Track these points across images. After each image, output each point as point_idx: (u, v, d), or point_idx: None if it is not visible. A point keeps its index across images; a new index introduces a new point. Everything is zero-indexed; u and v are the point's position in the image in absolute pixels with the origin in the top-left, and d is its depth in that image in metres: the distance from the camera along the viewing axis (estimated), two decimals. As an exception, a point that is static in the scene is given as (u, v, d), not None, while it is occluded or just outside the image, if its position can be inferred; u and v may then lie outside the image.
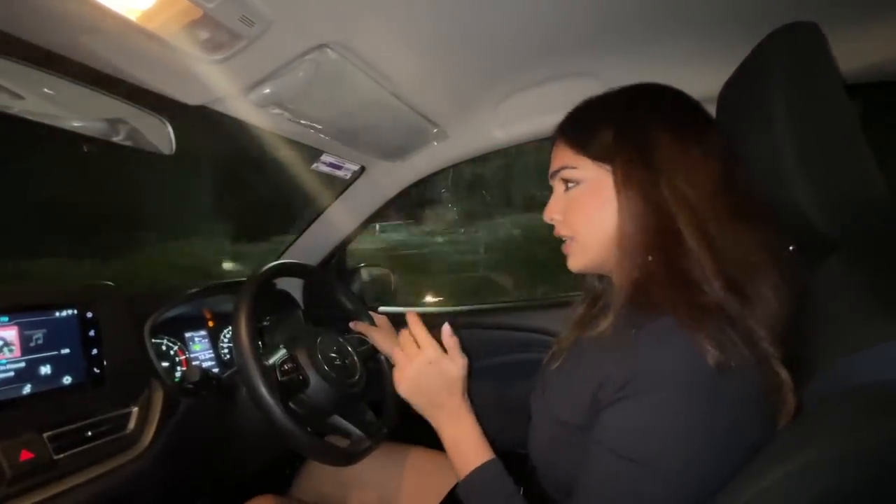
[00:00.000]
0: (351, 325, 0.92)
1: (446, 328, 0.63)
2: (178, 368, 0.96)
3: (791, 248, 0.56)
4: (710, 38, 0.69)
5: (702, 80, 0.69)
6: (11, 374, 0.62)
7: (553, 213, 0.58)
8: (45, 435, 0.62)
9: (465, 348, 0.64)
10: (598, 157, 0.52)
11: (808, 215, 0.47)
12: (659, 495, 0.42)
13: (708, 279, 0.44)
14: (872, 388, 0.39)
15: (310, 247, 1.26)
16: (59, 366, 0.67)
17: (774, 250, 0.47)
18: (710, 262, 0.45)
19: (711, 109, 0.58)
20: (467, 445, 0.59)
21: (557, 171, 0.56)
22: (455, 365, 0.61)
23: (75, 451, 0.64)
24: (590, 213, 0.53)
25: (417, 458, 0.91)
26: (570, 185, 0.55)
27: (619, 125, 0.51)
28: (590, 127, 0.54)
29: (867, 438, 0.34)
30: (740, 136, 0.53)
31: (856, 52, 0.64)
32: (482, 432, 0.61)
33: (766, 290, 0.44)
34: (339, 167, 1.07)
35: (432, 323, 0.64)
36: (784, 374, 0.43)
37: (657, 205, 0.48)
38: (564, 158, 0.55)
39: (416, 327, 0.63)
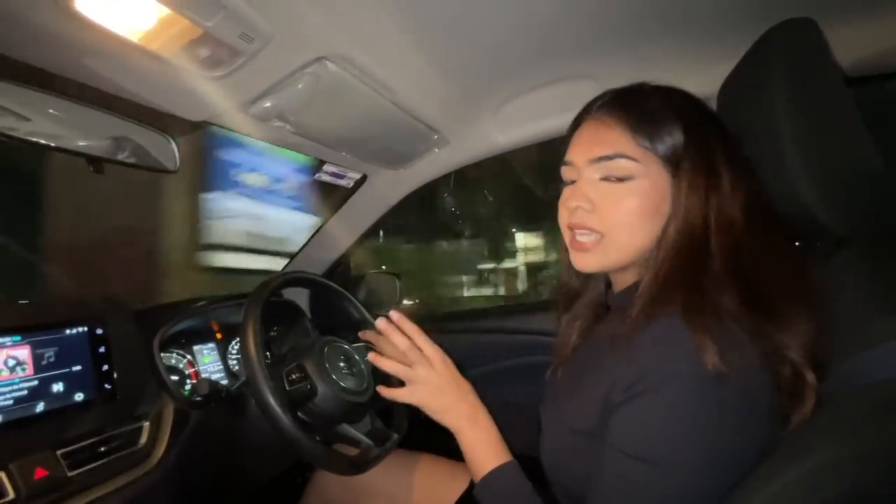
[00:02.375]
0: (360, 334, 0.92)
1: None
2: (188, 381, 0.97)
3: (797, 244, 0.56)
4: (706, 37, 0.69)
5: (700, 78, 0.69)
6: (25, 392, 0.63)
7: (584, 200, 0.51)
8: (58, 452, 0.62)
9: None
10: (666, 155, 0.48)
11: (813, 212, 0.46)
12: (670, 494, 0.41)
13: (723, 290, 0.44)
14: (887, 384, 0.38)
15: (315, 256, 1.27)
16: (71, 383, 0.68)
17: (804, 266, 0.47)
18: (730, 274, 0.45)
19: (710, 107, 0.58)
20: (485, 447, 0.59)
21: (609, 157, 0.49)
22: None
23: (89, 467, 0.64)
24: (641, 214, 0.49)
25: (427, 466, 0.91)
26: (619, 176, 0.49)
27: (689, 127, 0.49)
28: (660, 119, 0.49)
29: (884, 435, 0.34)
30: (742, 133, 0.53)
31: (855, 46, 0.64)
32: (499, 434, 0.60)
33: (796, 306, 0.44)
34: (341, 176, 1.08)
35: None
36: (811, 377, 0.42)
37: (705, 215, 0.47)
38: (622, 145, 0.49)
39: (419, 337, 0.63)
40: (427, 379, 0.61)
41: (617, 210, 0.50)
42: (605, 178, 0.50)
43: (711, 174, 0.48)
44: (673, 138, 0.48)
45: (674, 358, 0.42)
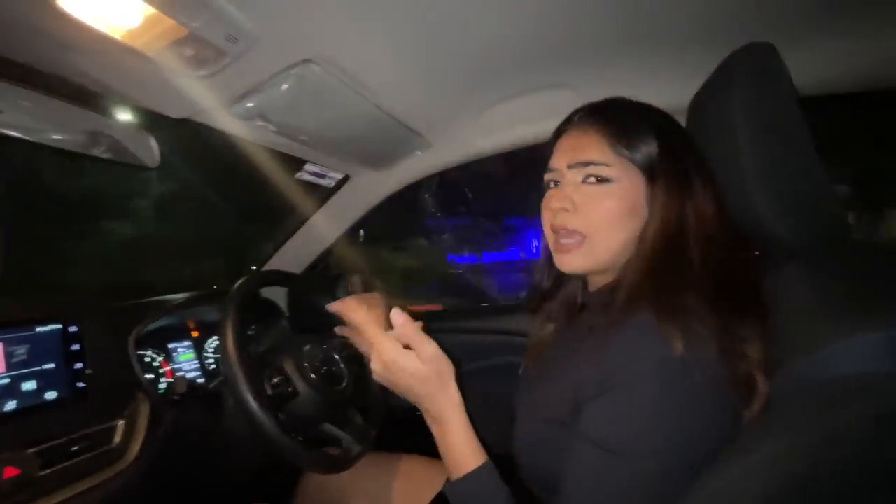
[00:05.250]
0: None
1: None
2: (163, 380, 0.96)
3: (756, 253, 0.60)
4: (678, 54, 0.72)
5: (671, 92, 0.72)
6: (-5, 390, 0.62)
7: (566, 202, 0.55)
8: (29, 451, 0.61)
9: (447, 352, 0.61)
10: (641, 163, 0.53)
11: (768, 222, 0.50)
12: (636, 483, 0.44)
13: (699, 285, 0.47)
14: (831, 383, 0.41)
15: (294, 255, 1.26)
16: (43, 381, 0.67)
17: (756, 265, 0.51)
18: (709, 272, 0.48)
19: (680, 119, 0.62)
20: (456, 448, 0.56)
21: (587, 163, 0.54)
22: (427, 363, 0.57)
23: (61, 466, 0.64)
24: (619, 215, 0.53)
25: (411, 466, 0.92)
26: (598, 179, 0.53)
27: (663, 138, 0.54)
28: (636, 131, 0.54)
29: (826, 430, 0.37)
30: (708, 146, 0.56)
31: (810, 68, 0.68)
32: (474, 433, 0.57)
33: (755, 305, 0.48)
34: (322, 176, 1.08)
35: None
36: (761, 379, 0.45)
37: (682, 219, 0.52)
38: (601, 153, 0.53)
39: (408, 328, 0.58)
40: (375, 360, 0.58)
41: (597, 210, 0.53)
42: (586, 181, 0.54)
43: (685, 180, 0.53)
44: (648, 147, 0.53)
45: (642, 357, 0.45)
